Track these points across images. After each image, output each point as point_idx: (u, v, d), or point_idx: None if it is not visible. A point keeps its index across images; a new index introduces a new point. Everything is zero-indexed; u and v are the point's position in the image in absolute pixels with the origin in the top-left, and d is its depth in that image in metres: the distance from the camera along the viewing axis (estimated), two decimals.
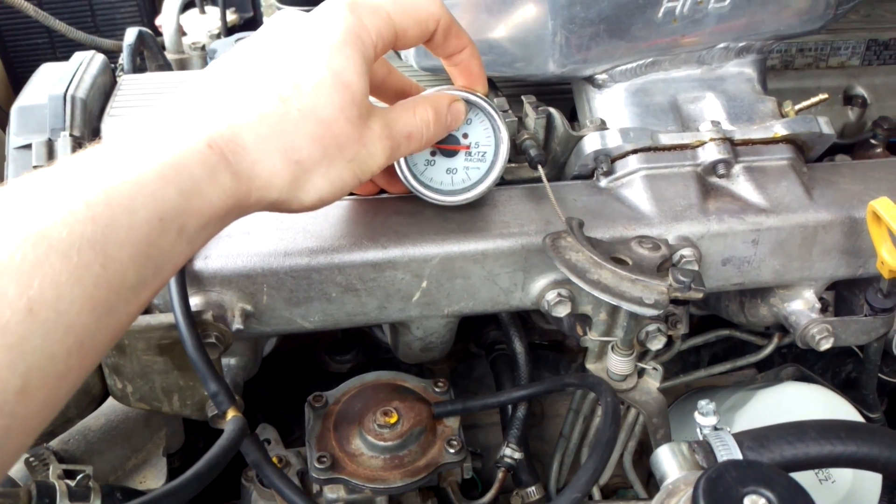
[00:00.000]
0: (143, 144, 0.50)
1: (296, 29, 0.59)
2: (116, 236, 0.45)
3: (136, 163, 0.48)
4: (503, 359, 1.01)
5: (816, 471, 0.90)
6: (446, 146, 0.73)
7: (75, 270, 0.42)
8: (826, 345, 0.82)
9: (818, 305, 0.85)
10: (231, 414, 0.64)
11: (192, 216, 0.50)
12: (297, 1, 1.38)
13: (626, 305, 0.65)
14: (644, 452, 0.99)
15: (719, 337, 1.04)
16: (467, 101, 0.71)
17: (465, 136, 0.73)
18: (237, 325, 0.70)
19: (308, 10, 0.62)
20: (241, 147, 0.54)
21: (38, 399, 0.41)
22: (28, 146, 0.83)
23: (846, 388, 1.15)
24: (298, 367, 1.12)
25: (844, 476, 0.90)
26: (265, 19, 1.69)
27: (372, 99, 0.67)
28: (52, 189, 0.45)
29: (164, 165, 0.49)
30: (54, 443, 0.79)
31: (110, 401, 0.81)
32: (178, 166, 0.50)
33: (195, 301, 0.69)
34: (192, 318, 0.65)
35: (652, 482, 0.98)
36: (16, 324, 0.39)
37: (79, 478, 0.68)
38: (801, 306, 0.85)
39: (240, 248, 0.70)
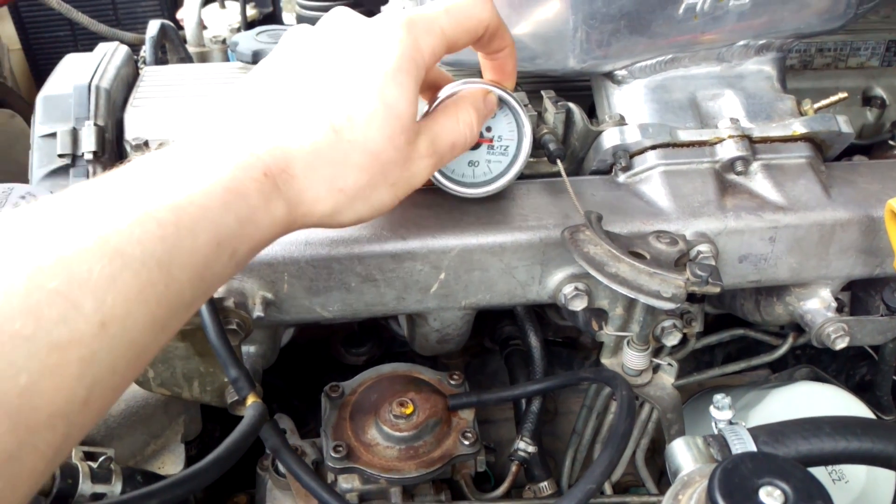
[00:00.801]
0: (207, 162, 0.51)
1: (352, 47, 0.59)
2: (180, 258, 0.46)
3: (200, 184, 0.49)
4: (517, 354, 1.01)
5: (830, 470, 0.90)
6: None
7: (143, 288, 0.44)
8: (841, 344, 0.82)
9: (834, 304, 0.84)
10: (251, 400, 0.65)
11: (244, 241, 0.52)
12: None
13: (643, 298, 0.66)
14: (656, 451, 0.99)
15: (733, 336, 1.04)
16: (493, 94, 0.72)
17: (489, 129, 0.73)
18: (258, 312, 0.70)
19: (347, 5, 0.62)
20: (291, 176, 0.55)
21: (95, 409, 0.43)
22: (53, 135, 0.84)
23: (860, 390, 1.15)
24: (314, 359, 1.13)
25: (858, 476, 0.90)
26: (284, 14, 1.70)
27: None
28: (123, 202, 0.46)
29: (226, 192, 0.50)
30: None
31: (131, 386, 0.82)
32: (237, 193, 0.51)
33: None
34: (214, 304, 0.66)
35: (664, 481, 0.98)
36: (90, 338, 0.41)
37: (101, 460, 0.69)
38: (818, 305, 0.85)
39: None
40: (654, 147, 0.80)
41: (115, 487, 0.69)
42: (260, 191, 0.52)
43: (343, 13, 0.62)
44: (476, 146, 0.73)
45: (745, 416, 0.94)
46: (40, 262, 0.40)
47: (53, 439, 0.40)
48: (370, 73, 0.57)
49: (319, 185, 0.57)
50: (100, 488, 0.68)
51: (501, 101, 0.72)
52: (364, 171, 0.58)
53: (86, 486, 0.67)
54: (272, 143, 0.55)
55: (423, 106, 0.71)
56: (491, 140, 0.74)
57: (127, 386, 0.46)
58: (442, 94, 0.69)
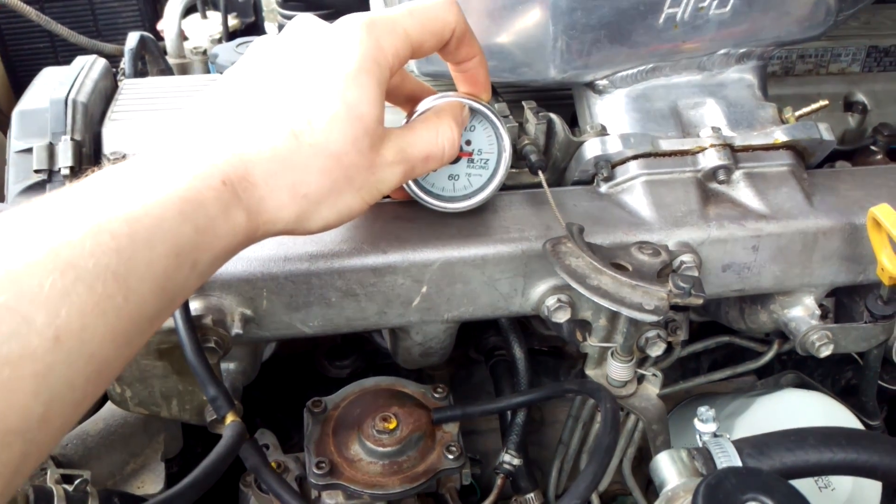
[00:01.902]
0: (163, 172, 0.51)
1: (312, 51, 0.58)
2: (138, 270, 0.45)
3: (156, 194, 0.49)
4: (502, 365, 1.01)
5: (816, 478, 0.90)
6: None
7: (100, 301, 0.43)
8: (826, 351, 0.82)
9: (818, 312, 0.85)
10: (230, 419, 0.64)
11: (205, 251, 0.51)
12: (298, 7, 1.38)
13: (625, 311, 0.65)
14: (643, 459, 0.99)
15: (719, 343, 1.03)
16: (472, 109, 0.71)
17: (469, 142, 0.73)
18: (237, 329, 0.69)
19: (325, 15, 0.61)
20: (252, 184, 0.54)
21: (55, 426, 0.42)
22: (29, 150, 0.82)
23: (846, 395, 1.15)
24: (297, 373, 1.12)
25: (844, 484, 0.89)
26: (266, 24, 1.69)
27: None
28: (75, 215, 0.45)
29: (182, 201, 0.49)
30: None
31: (109, 405, 0.81)
32: (194, 202, 0.50)
33: (195, 305, 0.69)
34: (192, 322, 0.65)
35: (651, 489, 0.98)
36: (43, 352, 0.40)
37: (76, 482, 0.68)
38: (801, 313, 0.85)
39: (240, 252, 0.70)
40: (635, 157, 0.80)
41: None
42: (218, 199, 0.52)
43: (304, 20, 0.61)
44: (456, 160, 0.73)
45: (731, 425, 0.94)
46: None
47: (10, 458, 0.39)
48: (330, 76, 0.57)
49: (281, 192, 0.56)
50: None
51: (479, 114, 0.72)
52: (327, 176, 0.57)
53: None
54: (230, 151, 0.54)
55: (403, 119, 0.70)
56: (471, 154, 0.73)
57: (90, 402, 0.45)
58: (420, 107, 0.69)
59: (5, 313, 0.39)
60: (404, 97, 0.72)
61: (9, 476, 0.39)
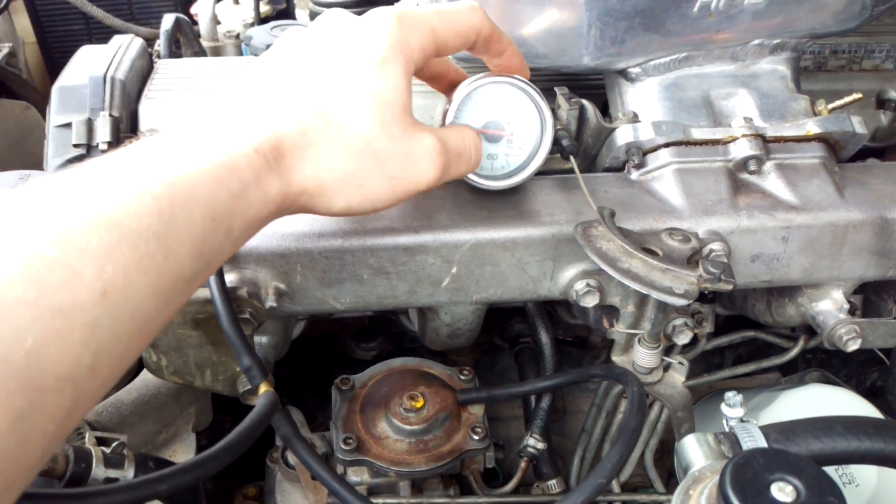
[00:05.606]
0: (201, 143, 0.53)
1: (343, 40, 0.61)
2: (177, 231, 0.48)
3: (194, 161, 0.51)
4: (527, 352, 1.01)
5: (840, 474, 0.89)
6: (490, 131, 0.73)
7: (142, 259, 0.45)
8: (853, 346, 0.82)
9: (846, 306, 0.84)
10: (263, 388, 0.65)
11: (239, 217, 0.53)
12: None
13: (656, 294, 0.66)
14: (665, 451, 0.99)
15: (744, 338, 1.03)
16: (515, 87, 0.72)
17: (510, 122, 0.74)
18: (271, 302, 0.71)
19: (358, 12, 0.63)
20: (281, 154, 0.56)
21: (102, 376, 0.44)
22: (68, 125, 0.84)
23: (871, 396, 1.14)
24: (324, 354, 1.13)
25: (868, 479, 0.89)
26: (297, 11, 1.71)
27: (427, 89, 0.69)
28: (119, 179, 0.47)
29: (218, 167, 0.52)
30: (88, 414, 0.80)
31: (143, 375, 0.83)
32: (229, 168, 0.52)
33: (230, 278, 0.70)
34: (228, 293, 0.67)
35: (672, 482, 0.98)
36: (91, 305, 0.42)
37: (114, 445, 0.70)
38: (830, 306, 0.84)
39: (275, 227, 0.71)
40: (667, 145, 0.80)
41: (128, 472, 0.69)
42: (251, 167, 0.54)
43: (337, 13, 0.64)
44: (497, 139, 0.73)
45: (756, 418, 0.93)
46: (39, 233, 0.42)
47: (62, 403, 0.41)
48: (358, 64, 0.59)
49: (307, 164, 0.58)
50: (112, 473, 0.68)
51: (523, 93, 0.72)
52: (353, 156, 0.59)
53: (99, 471, 0.68)
54: (262, 125, 0.56)
55: (443, 103, 0.71)
56: (511, 133, 0.74)
57: (133, 357, 0.47)
58: (460, 88, 0.70)
59: (56, 267, 0.41)
60: (448, 84, 0.73)
61: (61, 419, 0.41)
